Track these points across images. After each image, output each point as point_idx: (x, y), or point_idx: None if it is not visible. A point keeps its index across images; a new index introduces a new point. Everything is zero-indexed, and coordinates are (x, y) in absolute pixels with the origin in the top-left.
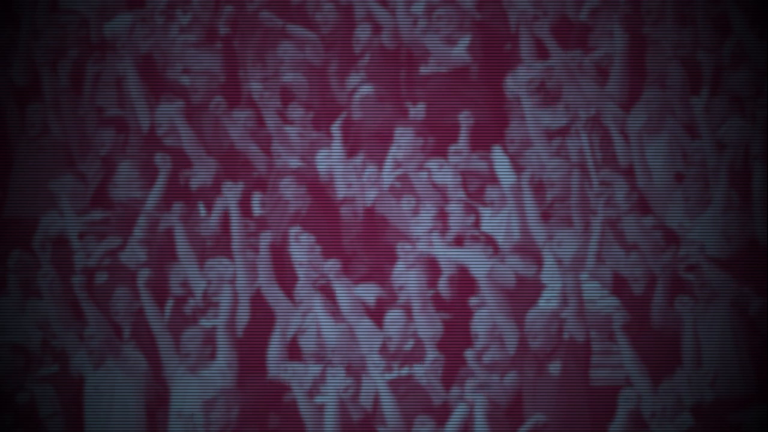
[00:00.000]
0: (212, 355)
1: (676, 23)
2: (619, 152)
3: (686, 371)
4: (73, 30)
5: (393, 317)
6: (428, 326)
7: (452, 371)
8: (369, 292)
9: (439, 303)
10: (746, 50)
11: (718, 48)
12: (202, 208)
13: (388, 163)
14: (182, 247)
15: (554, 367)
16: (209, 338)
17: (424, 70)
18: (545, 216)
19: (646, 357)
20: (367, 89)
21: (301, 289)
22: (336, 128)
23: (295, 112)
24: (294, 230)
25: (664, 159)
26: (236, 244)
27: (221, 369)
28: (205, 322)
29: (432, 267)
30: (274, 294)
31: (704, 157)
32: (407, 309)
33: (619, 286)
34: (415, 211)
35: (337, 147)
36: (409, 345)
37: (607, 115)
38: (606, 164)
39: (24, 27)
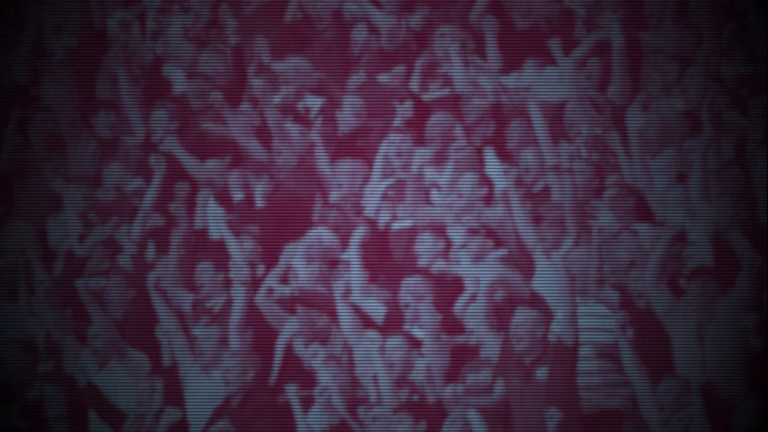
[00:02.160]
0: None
1: (676, 24)
2: (618, 153)
3: (686, 372)
4: (77, 27)
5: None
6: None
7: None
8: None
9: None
10: (747, 48)
11: (717, 47)
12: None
13: (379, 165)
14: (179, 248)
15: (541, 372)
16: (224, 338)
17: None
18: (537, 219)
19: (647, 358)
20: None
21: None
22: (324, 130)
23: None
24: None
25: (665, 159)
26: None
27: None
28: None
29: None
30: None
31: (705, 156)
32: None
33: (619, 286)
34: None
35: (324, 150)
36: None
37: (607, 116)
38: (605, 164)
39: (28, 27)
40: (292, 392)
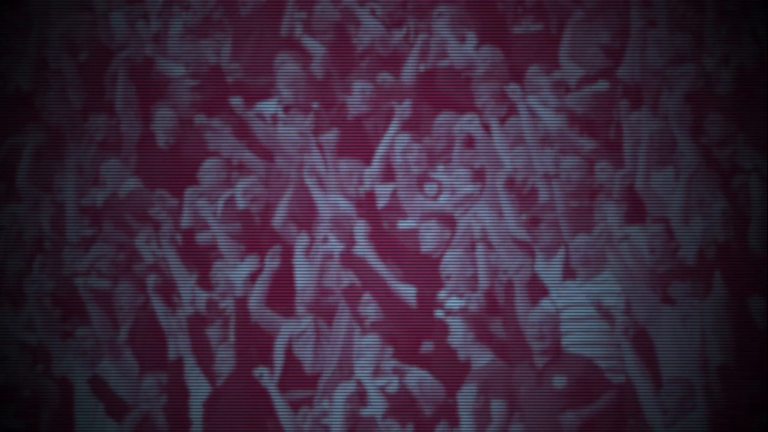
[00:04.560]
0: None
1: (675, 23)
2: (615, 151)
3: (688, 374)
4: (84, 30)
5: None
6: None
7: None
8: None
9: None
10: (747, 48)
11: (719, 46)
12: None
13: (377, 164)
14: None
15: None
16: (224, 338)
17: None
18: (534, 220)
19: (648, 359)
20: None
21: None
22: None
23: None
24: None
25: (662, 159)
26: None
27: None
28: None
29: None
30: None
31: (702, 156)
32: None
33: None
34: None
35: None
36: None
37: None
38: (602, 164)
39: (34, 30)
40: (288, 396)
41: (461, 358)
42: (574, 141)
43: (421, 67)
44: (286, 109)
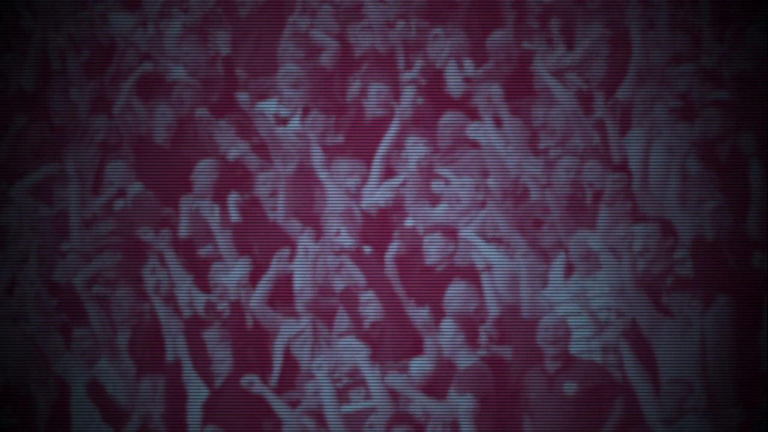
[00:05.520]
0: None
1: (673, 25)
2: (614, 151)
3: (687, 375)
4: (85, 30)
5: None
6: None
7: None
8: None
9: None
10: (746, 45)
11: (717, 47)
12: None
13: (378, 165)
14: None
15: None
16: (225, 339)
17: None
18: (537, 223)
19: (647, 361)
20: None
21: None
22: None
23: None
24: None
25: (660, 157)
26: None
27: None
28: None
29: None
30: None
31: (700, 155)
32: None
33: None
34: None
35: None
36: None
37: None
38: (600, 164)
39: (36, 30)
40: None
41: (445, 358)
42: (580, 118)
43: (419, 101)
44: (305, 110)
